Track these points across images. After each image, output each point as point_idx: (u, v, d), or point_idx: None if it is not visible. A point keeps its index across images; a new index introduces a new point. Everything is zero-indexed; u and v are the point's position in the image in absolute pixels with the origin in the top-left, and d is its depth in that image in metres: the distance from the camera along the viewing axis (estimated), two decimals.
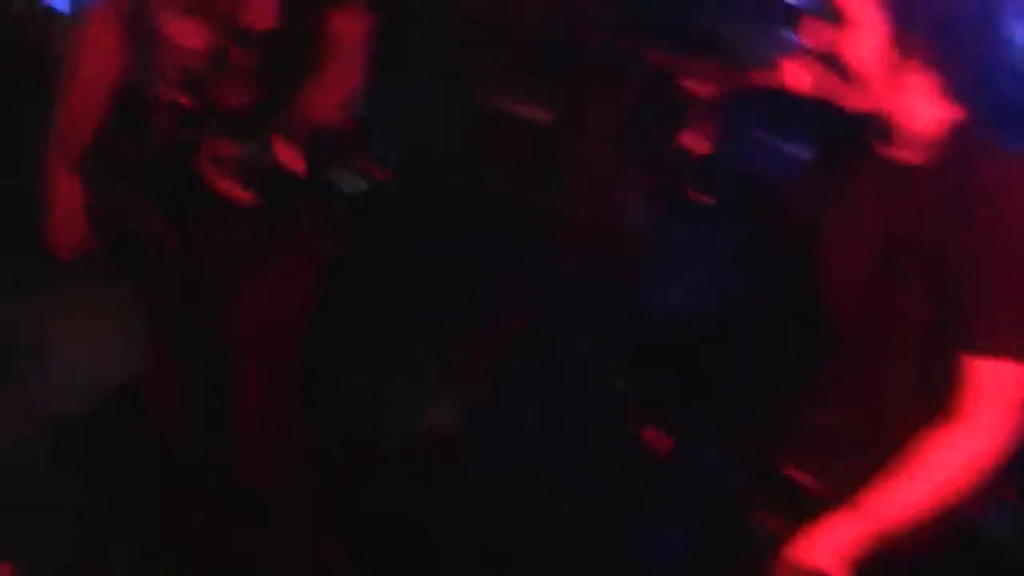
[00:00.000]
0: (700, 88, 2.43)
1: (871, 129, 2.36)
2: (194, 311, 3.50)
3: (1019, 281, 2.22)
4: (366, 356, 4.35)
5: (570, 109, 4.73)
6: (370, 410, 4.16)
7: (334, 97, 3.31)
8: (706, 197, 4.07)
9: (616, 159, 3.90)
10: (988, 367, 2.25)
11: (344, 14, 3.27)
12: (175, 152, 3.23)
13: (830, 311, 2.46)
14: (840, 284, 2.42)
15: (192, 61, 3.19)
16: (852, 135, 2.41)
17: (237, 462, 3.57)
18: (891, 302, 2.34)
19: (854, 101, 2.31)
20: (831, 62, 2.30)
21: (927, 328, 2.32)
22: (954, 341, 2.28)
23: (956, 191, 2.26)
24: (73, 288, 4.16)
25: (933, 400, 2.30)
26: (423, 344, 4.37)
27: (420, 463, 3.93)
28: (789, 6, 4.01)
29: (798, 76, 2.38)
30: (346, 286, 3.84)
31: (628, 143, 3.78)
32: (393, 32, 4.78)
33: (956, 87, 2.27)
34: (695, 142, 2.44)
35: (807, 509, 2.39)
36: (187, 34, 3.19)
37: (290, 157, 3.09)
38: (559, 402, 3.87)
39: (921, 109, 2.30)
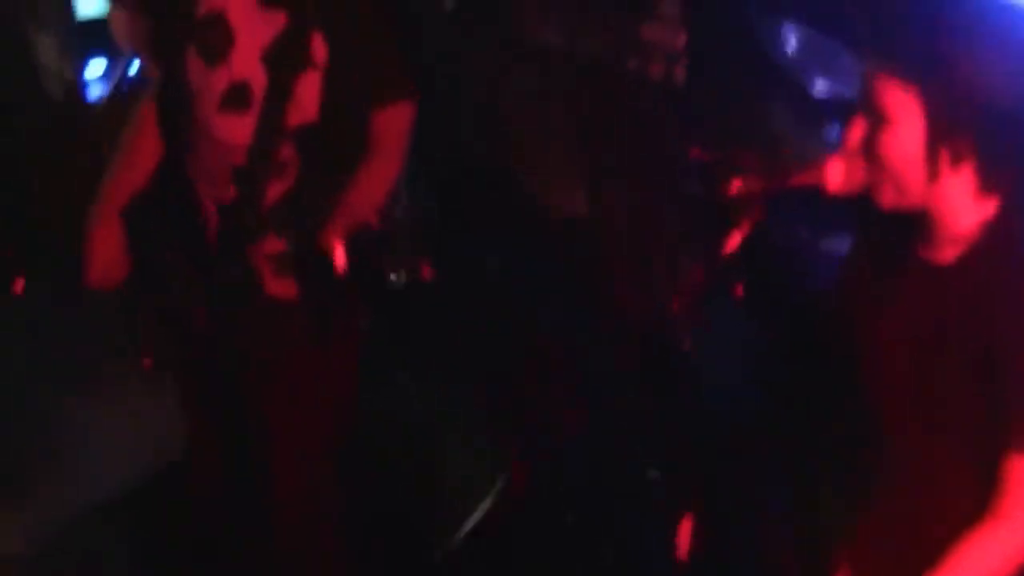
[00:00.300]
0: (742, 184, 2.42)
1: (913, 226, 2.38)
2: (233, 393, 3.50)
3: None
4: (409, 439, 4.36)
5: (615, 204, 4.78)
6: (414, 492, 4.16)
7: (378, 189, 3.31)
8: (748, 292, 4.10)
9: (659, 254, 3.93)
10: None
11: (387, 109, 3.25)
12: (219, 242, 3.23)
13: (874, 409, 2.47)
14: (884, 382, 2.43)
15: (234, 154, 3.20)
16: (894, 233, 2.41)
17: (277, 543, 3.56)
18: (936, 401, 2.34)
19: (895, 199, 2.33)
20: (871, 161, 2.32)
21: (971, 427, 2.32)
22: (997, 438, 2.27)
23: (997, 288, 2.27)
24: (114, 370, 4.18)
25: (979, 498, 2.30)
26: (465, 428, 4.37)
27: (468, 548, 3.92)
28: (831, 104, 4.05)
29: (839, 174, 2.38)
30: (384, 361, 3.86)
31: (671, 238, 3.81)
32: (434, 123, 4.86)
33: (997, 184, 2.29)
34: (737, 238, 2.44)
35: None
36: (229, 128, 3.20)
37: (337, 253, 3.09)
38: (596, 491, 3.87)
39: (963, 207, 2.31)
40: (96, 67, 5.39)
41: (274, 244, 3.16)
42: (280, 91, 3.12)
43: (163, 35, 3.42)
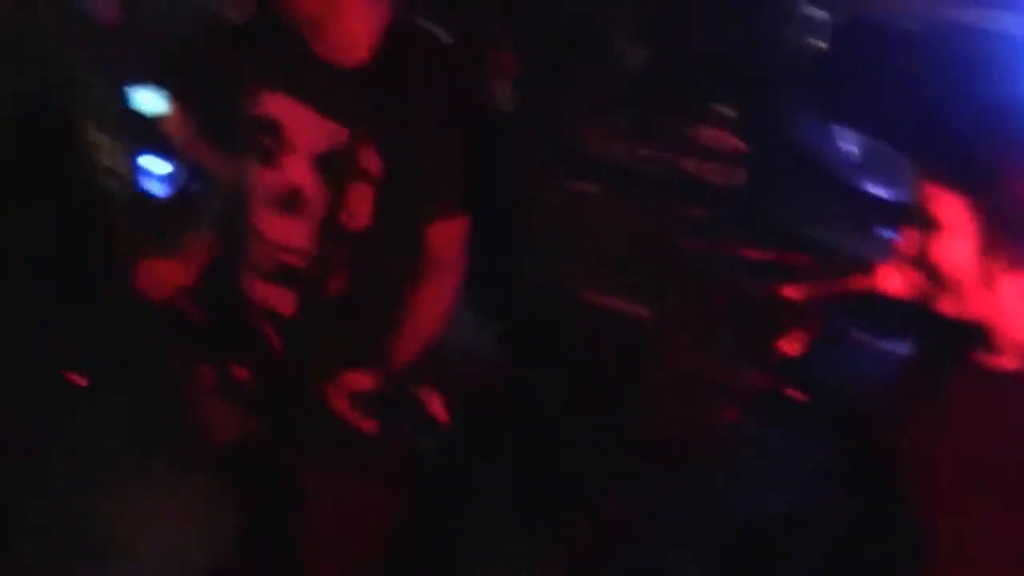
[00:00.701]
0: (796, 289, 2.42)
1: (969, 335, 2.35)
2: (278, 509, 3.47)
3: None
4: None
5: (669, 309, 4.78)
6: None
7: (437, 308, 3.28)
8: (801, 397, 4.08)
9: (712, 359, 3.92)
10: None
11: (442, 223, 3.26)
12: (280, 358, 3.23)
13: (926, 522, 2.42)
14: (938, 494, 2.38)
15: (283, 255, 3.21)
16: (949, 340, 2.40)
17: None
18: (993, 516, 2.31)
19: (950, 306, 2.32)
20: (926, 267, 2.31)
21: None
22: None
23: None
24: (159, 480, 4.19)
25: None
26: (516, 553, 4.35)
27: None
28: (886, 210, 4.05)
29: (893, 280, 2.38)
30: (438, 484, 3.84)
31: (725, 343, 3.80)
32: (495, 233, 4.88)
33: None
34: (790, 343, 2.43)
35: None
36: (279, 229, 3.22)
37: (432, 400, 3.08)
38: None
39: (1019, 314, 2.29)
40: (151, 164, 5.46)
41: (358, 380, 3.14)
42: (333, 199, 3.14)
43: (218, 135, 3.46)
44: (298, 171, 3.18)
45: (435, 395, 3.11)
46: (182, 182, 5.08)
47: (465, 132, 3.20)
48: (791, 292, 2.40)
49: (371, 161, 3.11)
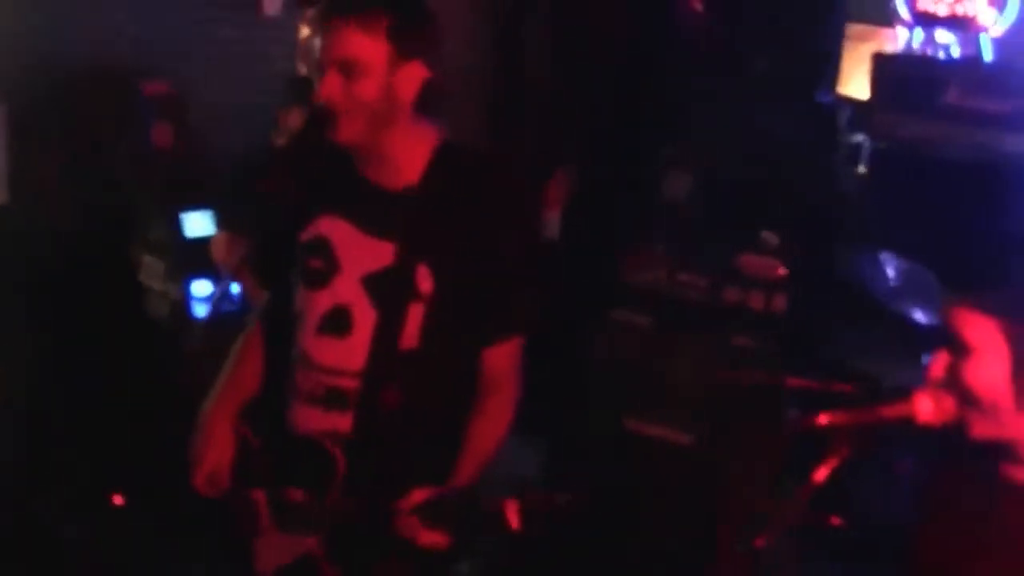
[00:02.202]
0: (836, 418, 2.41)
1: (1006, 456, 2.35)
2: None
3: None
4: None
5: (713, 437, 4.80)
6: None
7: (495, 430, 3.28)
8: (843, 524, 4.05)
9: (761, 488, 3.91)
10: None
11: (498, 345, 3.29)
12: (343, 482, 3.23)
13: None
14: None
15: (331, 377, 3.23)
16: (987, 464, 2.40)
17: None
18: None
19: (984, 429, 2.32)
20: (960, 391, 2.31)
21: None
22: None
23: None
24: None
25: None
26: None
27: None
28: (926, 335, 4.05)
29: (927, 407, 2.37)
30: None
31: (773, 471, 3.80)
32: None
33: None
34: (826, 469, 2.42)
35: None
36: (327, 351, 3.24)
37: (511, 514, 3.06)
38: None
39: None
40: (201, 287, 5.54)
41: (424, 495, 3.13)
42: (383, 319, 3.17)
43: (269, 258, 3.49)
44: (348, 291, 3.18)
45: (514, 505, 3.08)
46: (228, 304, 5.15)
47: (520, 255, 3.21)
48: (824, 420, 2.39)
49: (423, 281, 3.12)
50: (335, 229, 3.22)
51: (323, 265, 3.21)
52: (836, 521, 4.13)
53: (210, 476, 3.33)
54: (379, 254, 3.15)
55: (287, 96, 5.50)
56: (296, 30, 6.50)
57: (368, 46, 3.02)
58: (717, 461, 4.63)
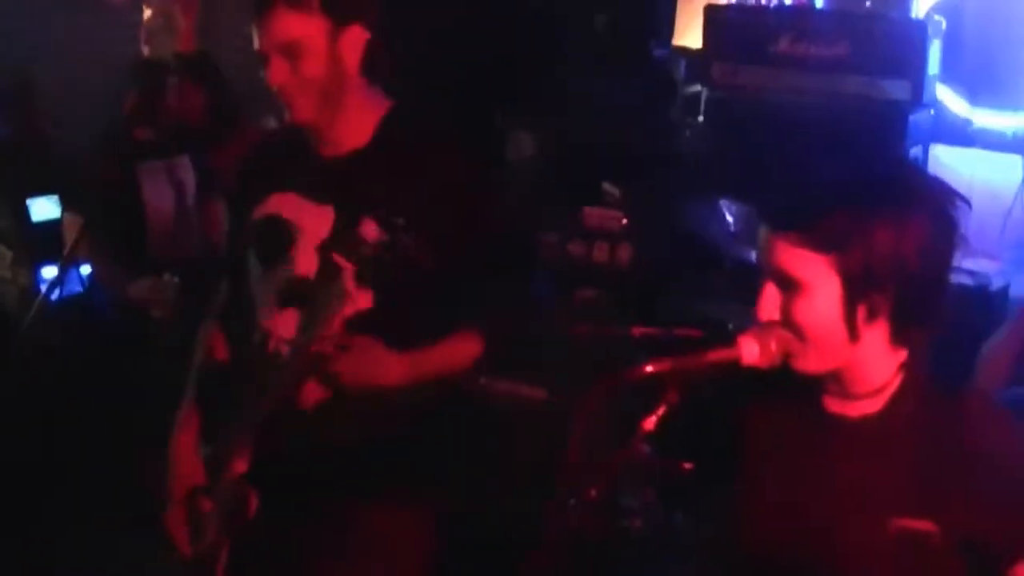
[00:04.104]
0: (662, 366, 2.41)
1: (832, 388, 2.39)
2: None
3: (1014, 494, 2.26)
4: None
5: (564, 391, 4.83)
6: None
7: (452, 351, 3.24)
8: (687, 465, 4.11)
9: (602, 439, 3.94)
10: None
11: (453, 282, 3.15)
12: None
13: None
14: (842, 558, 2.36)
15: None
16: (815, 399, 2.43)
17: None
18: (906, 565, 2.31)
19: (814, 364, 2.34)
20: (791, 328, 2.32)
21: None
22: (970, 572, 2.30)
23: (925, 433, 2.30)
24: None
25: None
26: None
27: None
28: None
29: (753, 349, 2.36)
30: None
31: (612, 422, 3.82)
32: None
33: (909, 334, 2.32)
34: (651, 419, 2.42)
35: None
36: (288, 324, 3.17)
37: None
38: None
39: (878, 359, 2.34)
40: (51, 272, 5.47)
41: None
42: (334, 281, 3.06)
43: (230, 245, 3.46)
44: (305, 262, 3.16)
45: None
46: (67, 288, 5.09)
47: (462, 204, 3.19)
48: (650, 369, 2.39)
49: (369, 234, 3.09)
50: (285, 204, 3.21)
51: (277, 240, 3.20)
52: (687, 466, 4.18)
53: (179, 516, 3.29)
54: (326, 219, 3.14)
55: (133, 80, 5.46)
56: (141, 14, 6.46)
57: (304, 25, 3.02)
58: (568, 415, 4.65)
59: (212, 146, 5.50)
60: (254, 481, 3.20)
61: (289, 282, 3.18)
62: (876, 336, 2.32)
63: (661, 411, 2.38)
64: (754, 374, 2.37)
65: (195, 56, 6.03)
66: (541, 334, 5.04)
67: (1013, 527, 2.29)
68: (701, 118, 5.55)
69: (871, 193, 2.29)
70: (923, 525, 2.29)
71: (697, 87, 5.62)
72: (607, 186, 5.36)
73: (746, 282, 2.39)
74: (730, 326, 2.39)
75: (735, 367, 2.37)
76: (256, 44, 3.10)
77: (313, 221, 3.16)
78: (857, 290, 2.27)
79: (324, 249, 3.13)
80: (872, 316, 2.29)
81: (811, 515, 2.40)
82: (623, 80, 5.60)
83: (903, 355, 2.36)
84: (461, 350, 3.23)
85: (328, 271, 3.07)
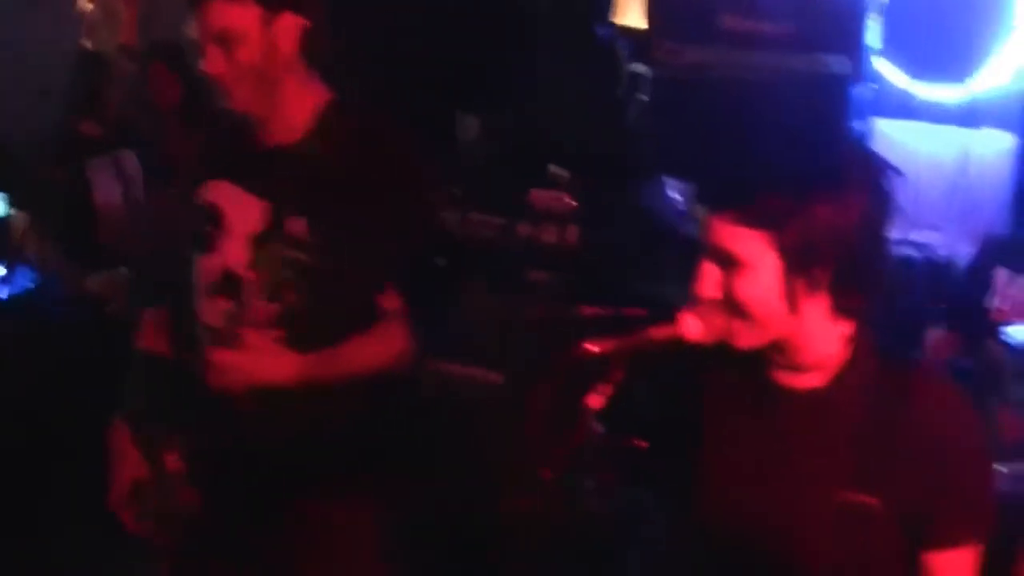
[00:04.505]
0: (606, 345, 2.42)
1: (779, 361, 2.40)
2: None
3: (951, 473, 2.29)
4: None
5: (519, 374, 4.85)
6: None
7: (373, 347, 3.26)
8: (641, 443, 4.12)
9: (555, 419, 3.95)
10: (947, 557, 2.34)
11: (383, 292, 3.16)
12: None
13: (795, 555, 2.40)
14: (802, 525, 2.38)
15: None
16: (766, 372, 2.45)
17: None
18: (847, 537, 2.33)
19: (754, 339, 2.36)
20: (731, 305, 2.33)
21: (887, 549, 2.34)
22: (910, 547, 2.33)
23: (871, 406, 2.33)
24: None
25: None
26: None
27: None
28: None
29: (696, 325, 2.36)
30: None
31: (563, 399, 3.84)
32: None
33: (851, 306, 2.34)
34: (596, 397, 2.43)
35: None
36: (217, 313, 3.20)
37: None
38: None
39: (820, 331, 2.35)
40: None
41: None
42: (269, 277, 3.13)
43: (173, 232, 3.47)
44: (235, 253, 3.18)
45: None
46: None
47: (408, 209, 3.17)
48: (595, 348, 2.40)
49: (302, 235, 3.12)
50: (221, 193, 3.22)
51: (211, 229, 3.21)
52: (639, 443, 4.19)
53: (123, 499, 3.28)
54: (261, 212, 3.16)
55: (78, 73, 5.44)
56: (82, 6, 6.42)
57: (238, 13, 3.04)
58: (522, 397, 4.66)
59: (184, 136, 5.48)
60: (199, 478, 3.23)
61: (219, 271, 3.20)
62: (817, 308, 2.33)
63: (607, 390, 2.40)
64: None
65: (172, 45, 6.00)
66: (493, 318, 5.09)
67: (943, 506, 2.32)
68: (646, 98, 5.55)
69: (808, 169, 2.29)
70: (865, 499, 2.32)
71: (642, 67, 5.63)
72: (555, 168, 5.37)
73: (695, 260, 2.40)
74: (678, 304, 2.37)
75: (679, 343, 2.40)
76: (192, 34, 3.12)
77: (245, 212, 3.18)
78: (796, 266, 2.28)
79: (254, 241, 3.16)
80: (812, 289, 2.31)
81: (760, 488, 2.42)
82: (568, 61, 5.60)
83: (848, 328, 2.38)
84: (377, 347, 3.22)
85: (258, 264, 3.13)
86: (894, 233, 2.37)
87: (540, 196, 5.34)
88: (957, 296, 4.85)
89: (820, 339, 2.38)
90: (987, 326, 4.81)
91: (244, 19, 3.05)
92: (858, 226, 2.29)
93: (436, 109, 5.85)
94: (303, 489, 3.23)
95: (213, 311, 3.21)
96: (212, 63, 3.07)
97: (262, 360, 3.12)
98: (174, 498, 3.23)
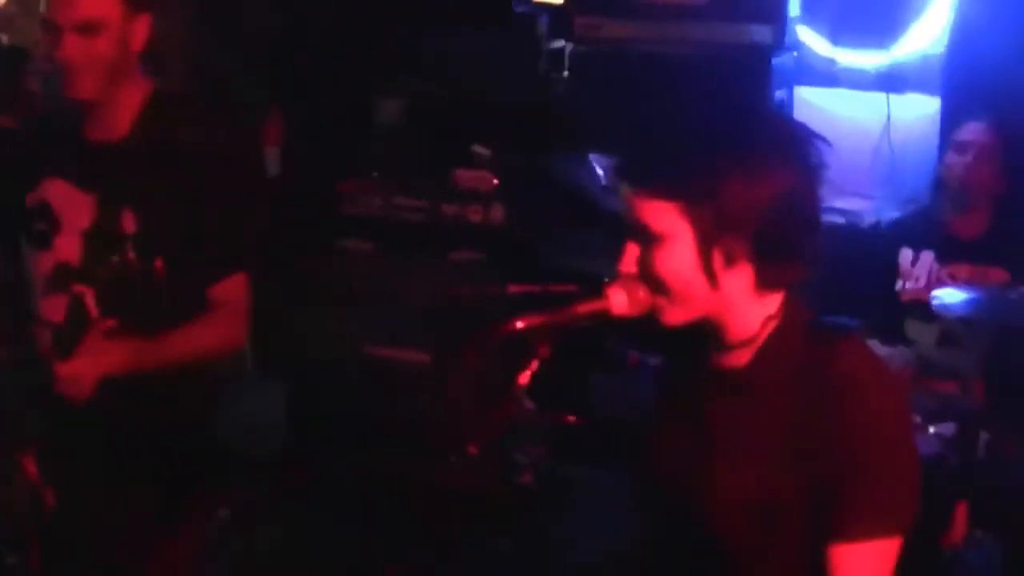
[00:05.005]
0: (532, 321, 2.42)
1: (711, 340, 2.39)
2: None
3: (862, 458, 2.24)
4: None
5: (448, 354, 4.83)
6: None
7: (199, 336, 3.28)
8: (570, 419, 4.13)
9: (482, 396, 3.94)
10: (850, 551, 2.26)
11: (221, 285, 3.28)
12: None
13: (718, 535, 2.39)
14: (722, 505, 2.36)
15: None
16: (704, 351, 2.44)
17: None
18: (774, 513, 2.32)
19: (678, 315, 2.35)
20: (651, 280, 2.33)
21: (798, 535, 2.31)
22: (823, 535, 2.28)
23: (790, 384, 2.30)
24: None
25: None
26: None
27: None
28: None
29: (621, 299, 2.37)
30: None
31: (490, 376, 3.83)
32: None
33: (775, 280, 2.32)
34: (529, 374, 2.43)
35: None
36: (54, 308, 3.25)
37: None
38: None
39: (747, 309, 2.34)
40: None
41: None
42: (97, 268, 3.21)
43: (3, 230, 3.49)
44: (68, 249, 3.25)
45: None
46: None
47: (235, 196, 3.25)
48: (520, 324, 2.39)
49: (128, 226, 3.18)
50: (54, 190, 3.29)
51: (45, 226, 3.28)
52: (572, 419, 4.20)
53: None
54: (89, 207, 3.23)
55: None
56: None
57: (105, 4, 3.14)
58: (453, 377, 4.66)
59: None
60: (51, 478, 3.22)
61: (53, 268, 3.27)
62: (739, 283, 2.32)
63: (534, 365, 2.40)
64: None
65: None
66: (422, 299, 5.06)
67: (850, 492, 2.27)
68: (567, 73, 5.54)
69: (720, 141, 2.28)
70: (781, 479, 2.30)
71: (561, 42, 5.61)
72: (477, 147, 5.36)
73: (621, 235, 2.40)
74: (605, 279, 2.37)
75: (606, 318, 2.39)
76: (48, 18, 3.21)
77: (76, 208, 3.26)
78: (710, 237, 2.27)
79: (86, 237, 3.24)
80: (730, 262, 2.29)
81: (694, 468, 2.41)
82: (486, 39, 5.57)
83: (775, 303, 2.36)
84: (208, 334, 3.29)
85: (90, 259, 3.21)
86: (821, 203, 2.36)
87: (463, 176, 5.32)
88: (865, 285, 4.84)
89: (746, 316, 2.36)
90: (899, 311, 4.84)
91: (109, 10, 3.15)
92: (776, 197, 2.26)
93: (354, 93, 5.82)
94: (146, 482, 3.25)
95: (52, 306, 3.27)
96: (69, 49, 3.13)
97: (97, 352, 3.14)
98: (30, 500, 3.23)
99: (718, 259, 2.29)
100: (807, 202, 2.32)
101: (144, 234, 3.19)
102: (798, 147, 2.32)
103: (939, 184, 5.01)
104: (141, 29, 3.21)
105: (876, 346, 3.96)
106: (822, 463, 2.27)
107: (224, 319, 3.29)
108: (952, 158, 4.92)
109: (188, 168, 3.20)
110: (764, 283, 2.33)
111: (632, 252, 2.36)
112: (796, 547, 2.33)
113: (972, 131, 4.90)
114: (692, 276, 2.31)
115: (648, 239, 2.32)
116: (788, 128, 2.38)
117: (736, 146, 2.28)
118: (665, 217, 2.29)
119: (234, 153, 3.29)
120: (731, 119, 2.35)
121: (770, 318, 2.36)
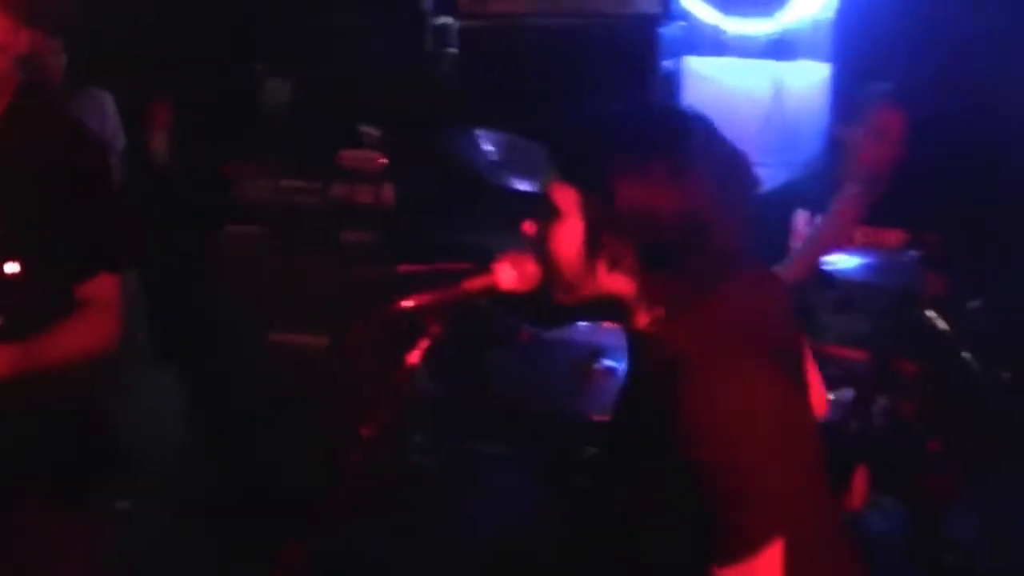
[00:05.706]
0: (421, 300, 2.42)
1: (625, 312, 2.38)
2: None
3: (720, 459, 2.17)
4: None
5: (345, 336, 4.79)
6: None
7: (69, 337, 3.26)
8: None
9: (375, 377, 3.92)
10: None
11: (89, 284, 3.24)
12: None
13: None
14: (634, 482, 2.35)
15: None
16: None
17: None
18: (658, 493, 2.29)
19: (565, 296, 2.36)
20: (544, 255, 2.35)
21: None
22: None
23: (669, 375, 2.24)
24: None
25: None
26: None
27: None
28: (527, 204, 4.10)
29: (509, 274, 2.41)
30: None
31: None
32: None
33: (657, 296, 2.31)
34: (420, 353, 2.42)
35: None
36: None
37: None
38: None
39: (624, 286, 2.32)
40: None
41: None
42: None
43: None
44: None
45: None
46: None
47: (95, 190, 3.20)
48: (410, 303, 2.40)
49: None
50: None
51: None
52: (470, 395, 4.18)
53: None
54: None
55: None
56: None
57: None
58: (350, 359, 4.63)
59: None
60: None
61: None
62: (622, 287, 2.33)
63: (424, 344, 2.40)
64: None
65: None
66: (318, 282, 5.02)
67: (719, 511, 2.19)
68: (455, 49, 5.52)
69: (617, 140, 2.29)
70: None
71: (448, 18, 5.58)
72: (365, 127, 5.32)
73: (510, 211, 2.42)
74: (495, 255, 2.38)
75: (494, 293, 2.40)
76: None
77: None
78: (596, 229, 2.28)
79: None
80: (614, 266, 2.29)
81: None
82: (373, 16, 5.54)
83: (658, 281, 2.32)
84: (79, 333, 3.23)
85: None
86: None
87: (351, 156, 5.29)
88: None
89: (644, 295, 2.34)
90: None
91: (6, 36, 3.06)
92: (669, 214, 2.24)
93: (239, 75, 5.77)
94: (31, 485, 3.20)
95: None
96: None
97: None
98: None
99: (603, 258, 2.29)
100: (706, 226, 2.26)
101: (10, 234, 3.10)
102: (698, 162, 2.26)
103: (835, 147, 5.00)
104: (24, 38, 3.12)
105: None
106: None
107: (94, 317, 3.24)
108: (867, 143, 4.84)
109: (45, 165, 3.13)
110: (646, 297, 2.32)
111: (536, 220, 2.37)
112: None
113: (887, 117, 4.85)
114: (576, 261, 2.32)
115: (549, 212, 2.33)
116: (689, 140, 2.31)
117: (632, 150, 2.27)
118: (565, 197, 2.31)
119: (80, 159, 3.20)
120: (636, 120, 2.35)
121: (650, 296, 2.34)
